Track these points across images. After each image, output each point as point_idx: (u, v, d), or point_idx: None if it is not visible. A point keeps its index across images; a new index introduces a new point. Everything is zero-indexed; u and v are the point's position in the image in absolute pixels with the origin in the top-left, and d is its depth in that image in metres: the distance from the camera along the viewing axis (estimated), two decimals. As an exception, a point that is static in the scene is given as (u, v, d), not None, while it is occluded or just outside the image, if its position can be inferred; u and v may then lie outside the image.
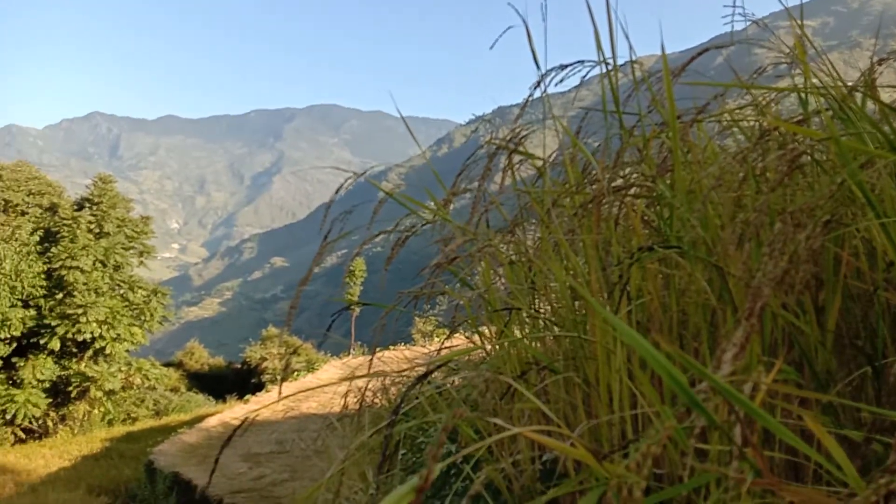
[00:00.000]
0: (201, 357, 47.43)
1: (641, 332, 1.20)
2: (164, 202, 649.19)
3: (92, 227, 33.35)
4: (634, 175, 1.46)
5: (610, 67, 1.58)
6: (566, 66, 1.48)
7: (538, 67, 1.52)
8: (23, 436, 29.33)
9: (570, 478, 1.22)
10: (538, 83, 1.53)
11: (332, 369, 20.89)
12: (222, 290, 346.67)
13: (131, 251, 35.17)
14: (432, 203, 1.96)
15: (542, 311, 1.53)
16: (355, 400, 3.70)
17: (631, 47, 1.48)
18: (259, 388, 31.22)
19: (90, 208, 35.28)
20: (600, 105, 1.70)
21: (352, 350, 40.45)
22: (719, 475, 0.72)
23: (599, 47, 1.42)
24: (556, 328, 1.46)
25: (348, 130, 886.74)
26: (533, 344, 1.47)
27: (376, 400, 3.96)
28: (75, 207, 35.82)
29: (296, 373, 33.34)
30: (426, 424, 2.05)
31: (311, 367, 30.32)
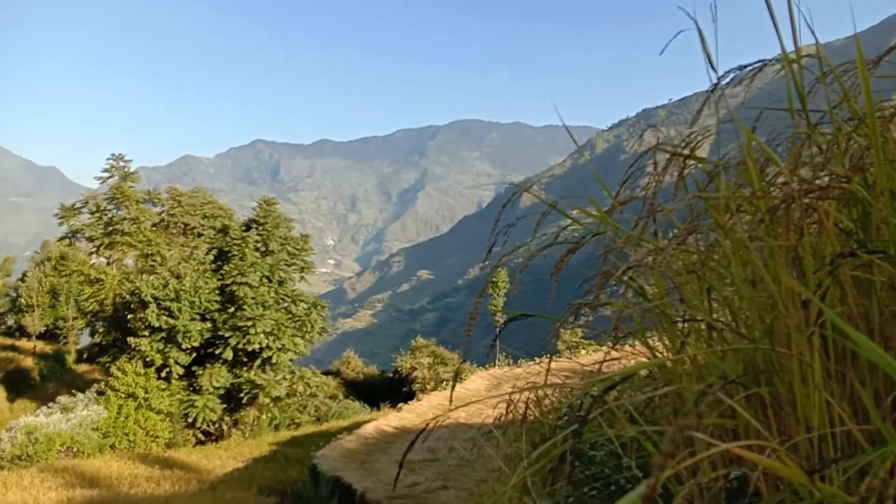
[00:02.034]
0: (356, 366, 49.59)
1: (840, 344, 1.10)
2: (320, 221, 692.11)
3: (258, 245, 36.10)
4: (820, 176, 1.35)
5: (775, 61, 1.48)
6: (745, 66, 1.40)
7: (713, 69, 1.45)
8: (202, 438, 32.22)
9: (761, 498, 1.14)
10: (715, 86, 1.46)
11: (478, 380, 21.02)
12: (374, 302, 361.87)
13: (293, 267, 37.58)
14: (591, 211, 1.92)
15: (721, 321, 1.44)
16: (505, 410, 3.71)
17: (816, 40, 1.37)
18: (410, 396, 32.06)
19: (256, 228, 38.32)
20: (758, 102, 1.60)
21: (497, 361, 40.52)
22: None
23: (779, 38, 1.32)
24: (739, 340, 1.37)
25: (489, 143, 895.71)
26: (718, 357, 1.38)
27: (529, 411, 3.94)
28: (243, 228, 39.08)
29: (444, 383, 34.08)
30: (600, 438, 2.00)
31: (459, 378, 30.79)
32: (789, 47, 1.38)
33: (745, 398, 1.32)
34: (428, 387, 37.13)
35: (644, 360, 2.22)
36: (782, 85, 1.52)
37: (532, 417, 3.90)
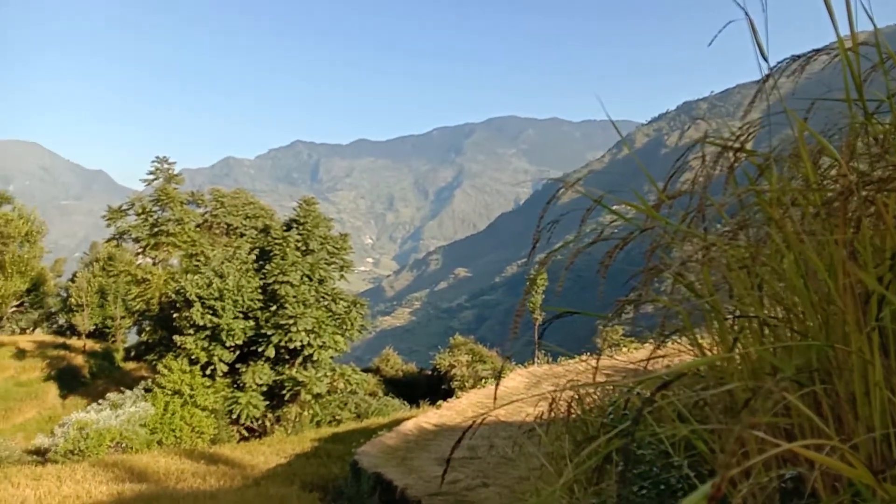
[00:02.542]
0: (396, 363, 49.88)
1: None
2: (358, 220, 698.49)
3: (299, 245, 36.57)
4: (878, 168, 1.30)
5: (829, 50, 1.43)
6: (798, 56, 1.35)
7: (765, 59, 1.40)
8: (246, 434, 32.80)
9: (818, 499, 1.11)
10: (767, 77, 1.41)
11: (517, 377, 20.93)
12: (412, 300, 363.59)
13: (333, 266, 37.97)
14: (637, 206, 1.89)
15: (774, 318, 1.40)
16: (548, 409, 3.68)
17: (875, 26, 1.31)
18: (449, 394, 32.09)
19: (297, 228, 38.83)
20: (807, 93, 1.55)
21: (536, 359, 40.29)
22: None
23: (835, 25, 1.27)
24: (792, 337, 1.33)
25: (525, 140, 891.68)
26: (771, 355, 1.34)
27: (572, 409, 3.90)
28: (284, 228, 39.65)
29: (483, 380, 34.05)
30: (648, 437, 1.97)
31: (497, 375, 30.70)
32: (844, 33, 1.33)
33: (799, 397, 1.28)
34: (467, 384, 37.12)
35: (690, 357, 2.18)
36: (833, 75, 1.47)
37: (574, 416, 3.87)
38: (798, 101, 1.69)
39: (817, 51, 1.36)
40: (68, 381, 43.07)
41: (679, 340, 2.14)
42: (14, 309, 59.14)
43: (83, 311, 52.27)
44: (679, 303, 1.73)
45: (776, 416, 1.33)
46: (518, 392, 16.78)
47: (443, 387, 40.52)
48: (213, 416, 30.85)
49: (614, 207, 1.87)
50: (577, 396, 3.76)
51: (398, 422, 19.26)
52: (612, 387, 2.71)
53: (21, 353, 46.33)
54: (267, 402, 32.69)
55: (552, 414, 2.81)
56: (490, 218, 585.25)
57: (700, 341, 1.82)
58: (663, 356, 2.27)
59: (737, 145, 1.52)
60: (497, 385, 2.20)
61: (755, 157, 1.63)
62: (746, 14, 1.31)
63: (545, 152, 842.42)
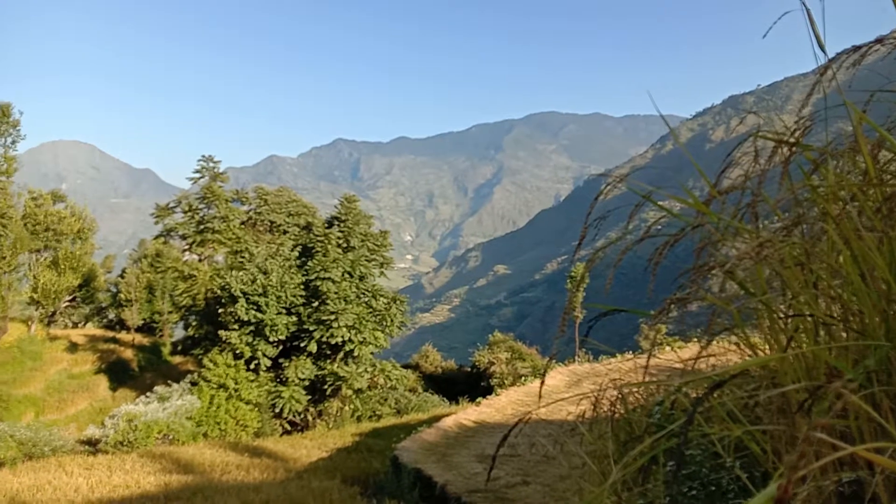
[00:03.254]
0: (435, 360, 50.04)
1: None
2: (398, 217, 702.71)
3: (340, 242, 36.93)
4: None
5: (893, 40, 1.37)
6: (860, 47, 1.30)
7: (823, 50, 1.35)
8: (288, 427, 33.31)
9: (878, 505, 1.07)
10: (826, 68, 1.36)
11: (558, 376, 20.78)
12: (451, 297, 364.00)
13: (373, 262, 38.24)
14: (681, 202, 1.85)
15: (831, 316, 1.35)
16: (586, 408, 3.63)
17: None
18: (488, 391, 32.05)
19: (338, 225, 39.25)
20: (863, 85, 1.49)
21: (577, 357, 39.92)
22: None
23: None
24: (850, 337, 1.29)
25: (566, 135, 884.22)
26: (828, 354, 1.30)
27: (614, 408, 3.85)
28: (326, 225, 40.11)
29: (523, 378, 33.92)
30: (696, 437, 1.92)
31: (536, 373, 30.54)
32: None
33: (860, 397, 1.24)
34: (506, 382, 37.02)
35: (736, 357, 2.13)
36: (888, 65, 1.42)
37: (618, 415, 3.82)
38: (853, 94, 1.63)
39: (880, 39, 1.30)
40: (118, 373, 44.39)
41: (725, 340, 2.10)
42: (67, 304, 61.19)
43: (132, 306, 53.80)
44: (728, 301, 1.69)
45: (833, 418, 1.29)
46: (558, 390, 16.65)
47: (482, 384, 40.50)
48: (256, 409, 31.39)
49: (661, 203, 1.83)
50: (620, 395, 3.71)
51: (438, 418, 19.32)
52: (657, 386, 2.66)
53: (73, 347, 47.94)
54: (309, 397, 33.07)
55: (595, 413, 2.77)
56: (530, 215, 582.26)
57: (755, 340, 1.78)
58: (709, 355, 2.23)
59: (792, 139, 1.47)
60: (542, 383, 2.16)
61: (810, 152, 1.58)
62: (803, 4, 1.26)
63: (587, 148, 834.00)
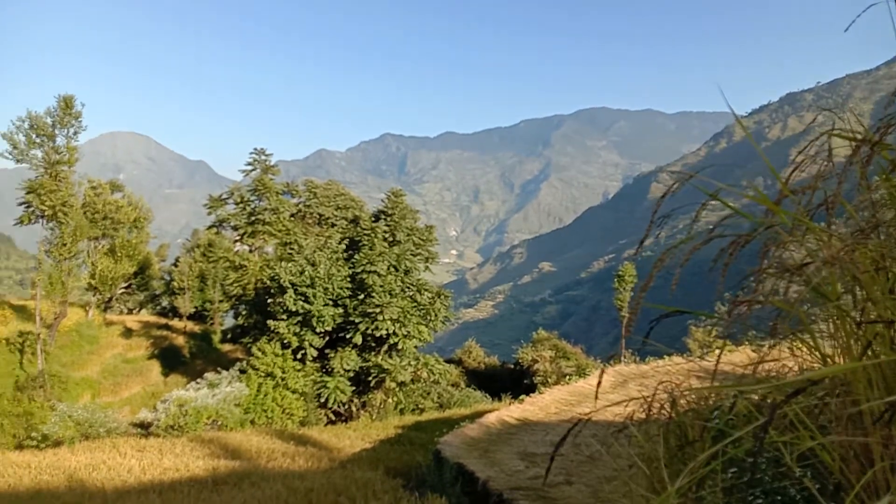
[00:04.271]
0: (478, 356, 50.02)
1: None
2: (443, 212, 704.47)
3: (386, 235, 37.21)
4: None
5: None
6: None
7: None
8: (333, 417, 33.78)
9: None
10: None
11: (603, 376, 20.51)
12: (495, 293, 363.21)
13: (418, 257, 38.40)
14: (735, 202, 1.78)
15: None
16: (634, 409, 3.56)
17: None
18: (531, 388, 31.87)
19: (385, 219, 39.55)
20: None
21: (623, 357, 39.32)
22: None
23: None
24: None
25: (617, 132, 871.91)
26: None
27: (664, 411, 3.77)
28: (373, 219, 40.48)
29: (567, 377, 33.64)
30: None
31: (581, 373, 30.20)
32: None
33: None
34: (550, 380, 36.77)
35: (793, 363, 2.05)
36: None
37: (669, 418, 3.73)
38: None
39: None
40: (170, 359, 45.76)
41: (782, 343, 2.02)
42: (123, 290, 63.33)
43: (184, 294, 55.39)
44: (793, 304, 1.62)
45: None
46: (604, 390, 16.44)
47: (525, 381, 40.32)
48: (302, 398, 31.93)
49: (730, 202, 1.77)
50: (670, 398, 3.63)
51: (480, 414, 19.31)
52: (712, 390, 2.58)
53: (128, 332, 49.62)
54: (353, 388, 33.42)
55: (648, 415, 2.71)
56: (577, 212, 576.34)
57: (819, 347, 1.70)
58: (766, 360, 2.15)
59: (875, 138, 1.40)
60: (599, 382, 2.12)
61: (888, 151, 1.50)
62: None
63: (637, 145, 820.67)
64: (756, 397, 1.88)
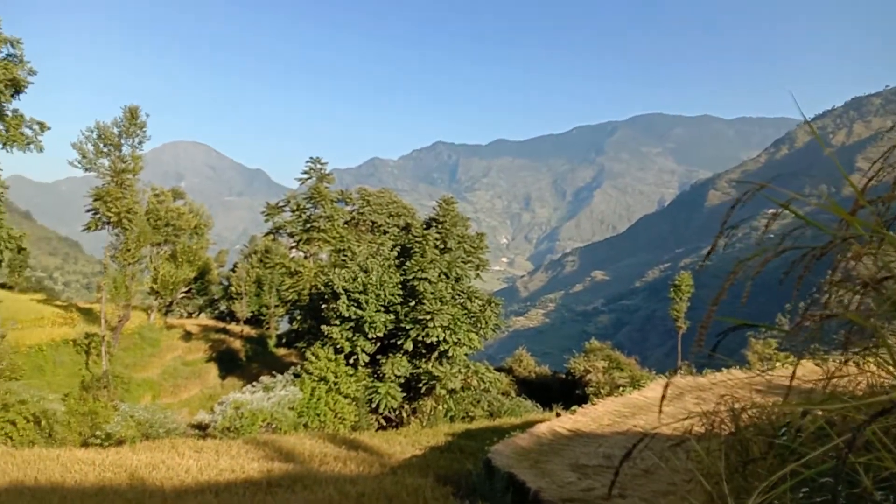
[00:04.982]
0: (528, 364, 49.61)
1: None
2: (494, 219, 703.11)
3: (437, 243, 37.36)
4: None
5: None
6: None
7: None
8: (384, 423, 34.00)
9: None
10: None
11: (658, 388, 20.06)
12: (546, 301, 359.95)
13: (469, 264, 38.42)
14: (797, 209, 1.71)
15: None
16: (692, 423, 3.45)
17: None
18: (583, 399, 31.41)
19: (436, 227, 39.73)
20: None
21: (679, 369, 38.30)
22: None
23: None
24: None
25: (673, 139, 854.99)
26: None
27: (725, 426, 3.65)
28: (424, 226, 40.72)
29: (620, 388, 33.04)
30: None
31: (635, 384, 29.58)
32: None
33: None
34: (602, 391, 36.17)
35: (863, 378, 1.96)
36: None
37: (731, 433, 3.61)
38: None
39: None
40: (227, 362, 46.97)
41: (838, 359, 1.94)
42: (183, 295, 65.42)
43: (242, 299, 56.81)
44: (867, 318, 1.55)
45: None
46: (658, 403, 16.05)
47: (576, 392, 39.79)
48: (354, 403, 32.26)
49: (801, 210, 1.70)
50: (732, 412, 3.51)
51: (531, 424, 19.12)
52: (783, 407, 2.48)
53: (188, 336, 51.17)
54: (404, 394, 33.58)
55: (709, 429, 2.62)
56: (631, 220, 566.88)
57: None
58: (841, 375, 2.06)
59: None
60: (662, 397, 2.06)
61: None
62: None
63: (694, 151, 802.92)
64: (820, 412, 1.80)
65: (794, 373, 1.64)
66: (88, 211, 42.80)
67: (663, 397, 2.04)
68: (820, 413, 1.92)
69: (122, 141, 41.85)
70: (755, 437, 2.76)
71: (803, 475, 1.14)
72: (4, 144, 36.58)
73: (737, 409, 3.56)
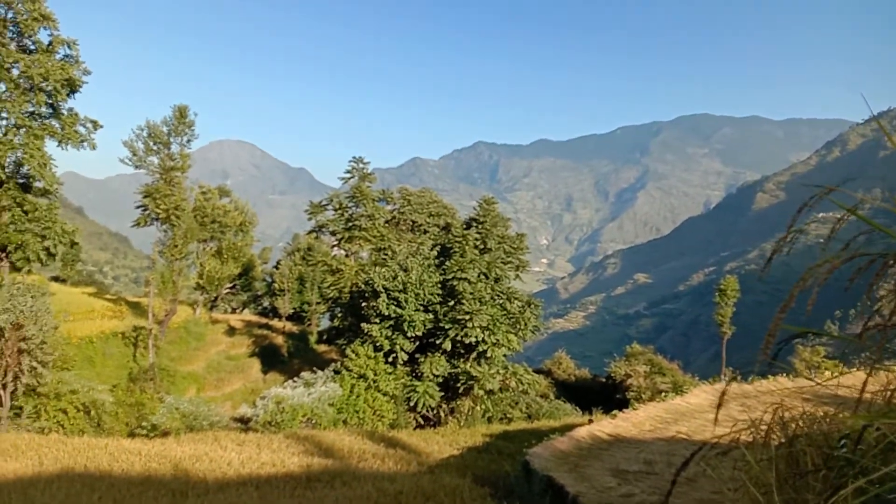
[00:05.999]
0: (568, 367, 49.16)
1: None
2: (534, 220, 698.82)
3: (477, 243, 37.29)
4: None
5: None
6: None
7: None
8: (421, 422, 34.10)
9: None
10: None
11: (701, 394, 19.64)
12: (586, 304, 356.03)
13: (508, 265, 38.26)
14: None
15: None
16: (739, 431, 3.36)
17: None
18: (623, 403, 30.94)
19: (476, 227, 39.70)
20: None
21: (723, 375, 37.51)
22: None
23: None
24: None
25: (720, 139, 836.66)
26: None
27: (773, 435, 3.55)
28: (464, 226, 40.72)
29: (662, 394, 32.50)
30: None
31: (677, 390, 29.04)
32: None
33: None
34: (643, 396, 35.64)
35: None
36: None
37: (777, 442, 3.51)
38: None
39: None
40: (269, 358, 47.77)
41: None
42: (227, 290, 66.80)
43: (284, 295, 57.73)
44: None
45: None
46: (702, 409, 15.75)
47: (617, 396, 39.27)
48: (392, 401, 32.44)
49: (866, 213, 1.64)
50: (781, 421, 3.41)
51: (570, 427, 18.92)
52: (843, 419, 2.40)
53: (231, 331, 52.25)
54: (442, 393, 33.61)
55: (759, 438, 2.54)
56: (675, 222, 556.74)
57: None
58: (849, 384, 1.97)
59: None
60: (719, 405, 2.01)
61: None
62: None
63: (741, 153, 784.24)
64: (883, 426, 1.73)
65: (864, 384, 1.58)
66: (138, 207, 44.03)
67: (720, 405, 1.98)
68: (884, 426, 1.85)
69: (171, 139, 42.96)
70: (808, 447, 2.68)
71: (871, 492, 1.09)
72: (60, 142, 37.88)
73: (787, 419, 3.46)
